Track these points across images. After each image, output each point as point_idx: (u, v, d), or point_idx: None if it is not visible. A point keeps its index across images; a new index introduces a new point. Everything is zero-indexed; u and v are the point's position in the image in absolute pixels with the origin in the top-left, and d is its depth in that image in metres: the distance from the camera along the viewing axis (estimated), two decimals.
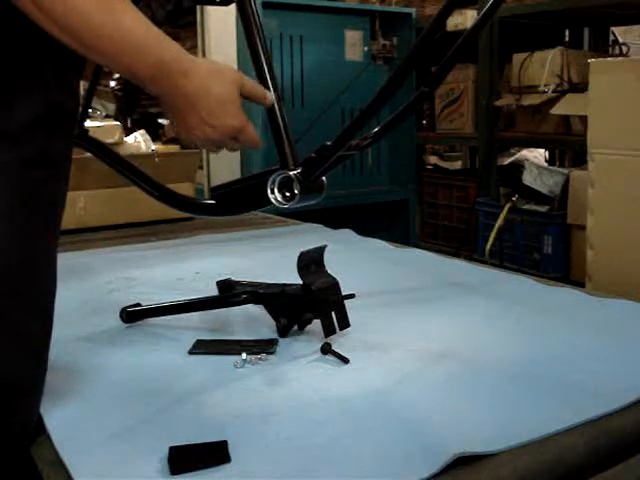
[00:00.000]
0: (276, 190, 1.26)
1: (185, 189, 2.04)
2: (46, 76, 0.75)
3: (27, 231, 0.76)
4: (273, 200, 1.27)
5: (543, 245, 2.63)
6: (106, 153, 1.78)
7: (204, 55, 2.72)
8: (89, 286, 1.47)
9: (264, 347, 1.08)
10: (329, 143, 1.31)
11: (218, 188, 1.32)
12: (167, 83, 0.81)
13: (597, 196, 1.92)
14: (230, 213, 1.36)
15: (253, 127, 0.90)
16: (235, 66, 2.65)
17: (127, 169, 1.76)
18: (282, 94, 2.62)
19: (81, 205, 2.03)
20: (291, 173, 1.24)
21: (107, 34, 0.74)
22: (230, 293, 1.19)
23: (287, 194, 1.26)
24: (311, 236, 1.88)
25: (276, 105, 1.34)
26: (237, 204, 1.35)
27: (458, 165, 4.30)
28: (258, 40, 1.35)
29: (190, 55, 0.84)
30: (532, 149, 3.72)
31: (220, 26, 2.62)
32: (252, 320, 1.21)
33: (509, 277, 1.51)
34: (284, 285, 1.15)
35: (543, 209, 2.63)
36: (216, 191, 1.38)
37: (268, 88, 1.32)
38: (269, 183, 1.25)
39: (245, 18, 1.35)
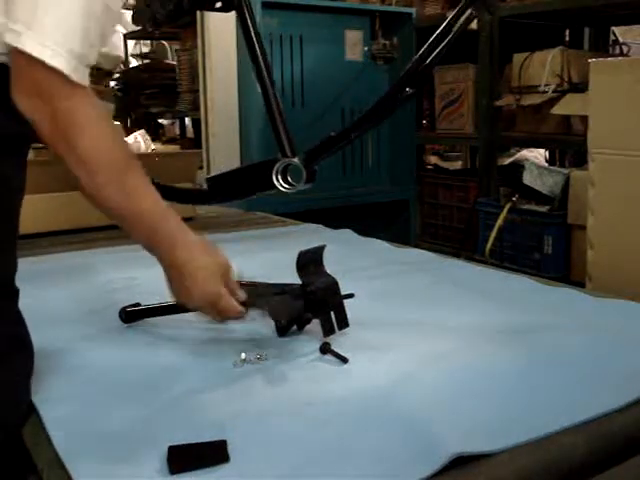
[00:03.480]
0: (280, 176, 1.32)
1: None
2: (7, 113, 0.82)
3: None
4: (278, 186, 1.34)
5: (543, 245, 2.63)
6: None
7: (204, 55, 2.72)
8: (89, 286, 1.47)
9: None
10: (333, 134, 1.36)
11: (214, 177, 1.35)
12: (162, 252, 0.97)
13: (597, 196, 1.92)
14: (224, 200, 1.41)
15: (230, 298, 1.01)
16: (235, 65, 2.65)
17: None
18: (282, 94, 2.62)
19: (81, 205, 2.03)
20: (296, 160, 1.31)
21: (116, 204, 0.91)
22: None
23: (289, 180, 1.33)
24: (311, 236, 1.87)
25: (273, 101, 1.39)
26: (231, 190, 1.39)
27: (458, 165, 4.30)
28: (256, 43, 1.40)
29: (188, 229, 0.99)
30: (532, 149, 3.72)
31: (220, 26, 2.62)
32: (251, 320, 1.21)
33: (509, 277, 1.51)
34: (284, 285, 1.15)
35: (543, 209, 2.63)
36: (211, 180, 1.41)
37: (266, 88, 1.37)
38: (274, 170, 1.31)
39: (244, 23, 1.40)
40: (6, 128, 0.83)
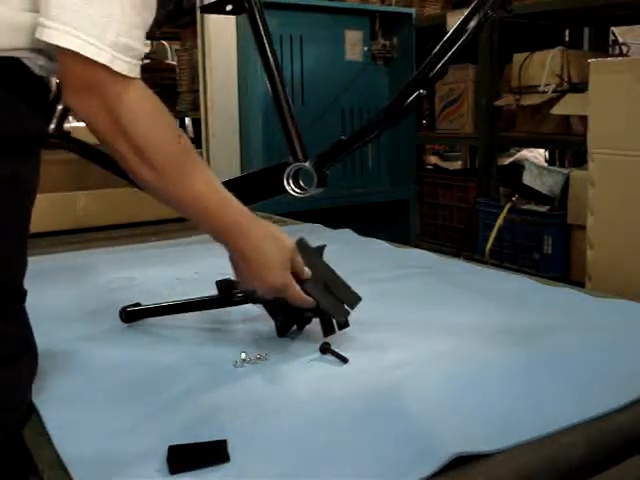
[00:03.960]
0: (291, 181, 1.31)
1: None
2: (19, 109, 0.81)
3: (2, 239, 0.81)
4: (290, 190, 1.34)
5: (543, 245, 2.63)
6: (92, 152, 1.80)
7: (204, 55, 2.72)
8: (89, 286, 1.47)
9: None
10: (344, 137, 1.36)
11: (225, 182, 1.35)
12: (227, 242, 0.99)
13: (597, 196, 1.92)
14: None
15: (298, 289, 1.03)
16: (235, 65, 2.65)
17: (116, 167, 1.79)
18: None
19: (81, 205, 2.03)
20: (307, 165, 1.31)
21: (179, 196, 0.92)
22: (229, 293, 1.19)
23: (302, 185, 1.33)
24: (311, 236, 1.86)
25: (284, 103, 1.40)
26: (243, 196, 1.39)
27: (458, 165, 4.30)
28: (267, 46, 1.40)
29: (252, 216, 1.00)
30: (532, 149, 3.72)
31: (220, 26, 2.62)
32: (251, 320, 1.21)
33: (509, 277, 1.51)
34: None
35: (543, 209, 2.63)
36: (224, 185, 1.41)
37: (277, 90, 1.38)
38: (285, 175, 1.31)
39: (255, 26, 1.40)
40: (19, 126, 0.82)
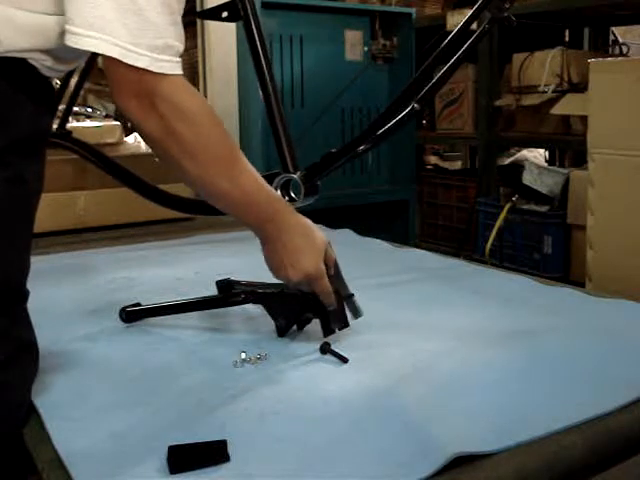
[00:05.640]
0: (279, 191, 1.33)
1: (184, 190, 2.05)
2: (26, 110, 0.82)
3: (7, 241, 0.81)
4: None
5: (543, 245, 2.63)
6: (92, 154, 1.81)
7: (204, 55, 2.72)
8: (89, 286, 1.47)
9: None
10: (334, 150, 1.37)
11: None
12: (266, 229, 1.01)
13: (597, 196, 1.92)
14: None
15: (324, 283, 1.05)
16: (235, 66, 2.65)
17: (115, 169, 1.79)
18: (282, 94, 2.62)
19: (81, 205, 2.03)
20: (295, 176, 1.32)
21: (224, 191, 0.95)
22: (229, 293, 1.19)
23: (291, 195, 1.35)
24: None
25: (276, 113, 1.40)
26: None
27: (458, 165, 4.30)
28: (262, 55, 1.41)
29: (289, 206, 1.05)
30: (532, 149, 3.72)
31: (220, 26, 2.62)
32: (251, 320, 1.21)
33: (509, 277, 1.51)
34: (283, 285, 1.15)
35: (543, 209, 2.63)
36: None
37: (270, 100, 1.39)
38: (274, 185, 1.33)
39: (250, 34, 1.40)
40: (26, 127, 0.82)
